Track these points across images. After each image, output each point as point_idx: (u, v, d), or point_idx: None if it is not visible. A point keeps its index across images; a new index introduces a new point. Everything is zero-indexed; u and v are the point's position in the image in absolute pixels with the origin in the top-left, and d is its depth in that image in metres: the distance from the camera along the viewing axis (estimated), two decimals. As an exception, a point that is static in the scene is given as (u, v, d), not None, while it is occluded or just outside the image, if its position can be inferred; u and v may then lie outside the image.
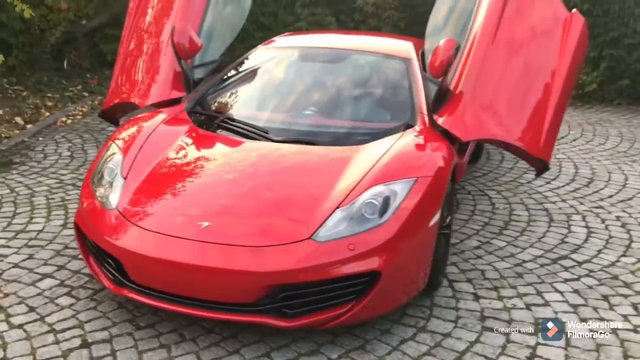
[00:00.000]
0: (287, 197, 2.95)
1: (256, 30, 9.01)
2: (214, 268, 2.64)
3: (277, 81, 4.05)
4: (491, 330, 3.04)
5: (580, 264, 3.79)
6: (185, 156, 3.27)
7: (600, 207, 4.70)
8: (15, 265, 3.54)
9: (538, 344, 2.94)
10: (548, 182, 5.21)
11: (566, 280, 3.56)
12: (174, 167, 3.19)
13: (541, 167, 3.82)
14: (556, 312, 3.21)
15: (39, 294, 3.24)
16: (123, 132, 3.52)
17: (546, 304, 3.30)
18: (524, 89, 3.64)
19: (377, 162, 3.04)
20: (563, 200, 4.81)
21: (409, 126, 3.49)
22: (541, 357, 2.85)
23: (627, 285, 3.53)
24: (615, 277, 3.62)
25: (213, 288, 2.68)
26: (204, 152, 3.31)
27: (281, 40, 4.50)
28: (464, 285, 3.47)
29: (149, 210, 2.92)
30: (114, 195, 3.03)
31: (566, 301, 3.33)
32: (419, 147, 3.25)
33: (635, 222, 4.43)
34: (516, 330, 3.04)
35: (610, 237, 4.19)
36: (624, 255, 3.91)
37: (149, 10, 4.36)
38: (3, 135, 6.03)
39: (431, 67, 3.50)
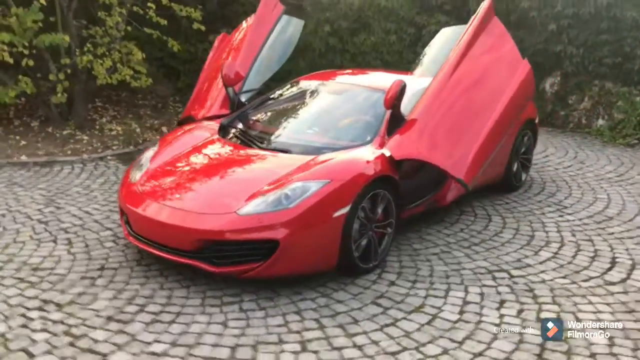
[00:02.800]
0: (238, 184, 4.11)
1: (380, 66, 10.15)
2: (171, 224, 3.91)
3: (289, 106, 5.23)
4: (378, 305, 3.86)
5: (512, 277, 4.34)
6: (194, 153, 4.60)
7: (590, 239, 5.04)
8: (95, 221, 5.14)
9: (404, 318, 3.71)
10: (561, 216, 5.59)
11: (482, 286, 4.18)
12: (182, 159, 4.54)
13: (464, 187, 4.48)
14: (445, 303, 3.91)
15: (96, 239, 4.77)
16: (170, 133, 4.97)
17: (444, 297, 4.00)
18: (463, 121, 4.35)
19: (313, 167, 4.08)
20: (558, 231, 5.21)
21: (365, 144, 4.44)
22: (398, 327, 3.62)
23: (534, 296, 4.05)
24: (530, 290, 4.14)
25: (171, 238, 3.95)
26: (207, 152, 4.61)
27: (308, 77, 5.69)
28: (391, 276, 4.29)
29: (151, 184, 4.29)
30: (139, 174, 4.46)
31: (463, 298, 3.99)
32: (351, 159, 4.20)
33: (611, 254, 4.73)
34: (396, 308, 3.83)
35: (570, 263, 4.60)
36: (562, 277, 4.35)
37: (224, 54, 5.89)
38: (148, 139, 7.94)
39: (384, 100, 4.41)
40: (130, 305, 3.77)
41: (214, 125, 5.08)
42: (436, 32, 9.70)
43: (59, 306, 3.74)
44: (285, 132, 4.84)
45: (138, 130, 8.21)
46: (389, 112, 4.53)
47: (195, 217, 3.88)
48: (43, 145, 7.36)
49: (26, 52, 7.27)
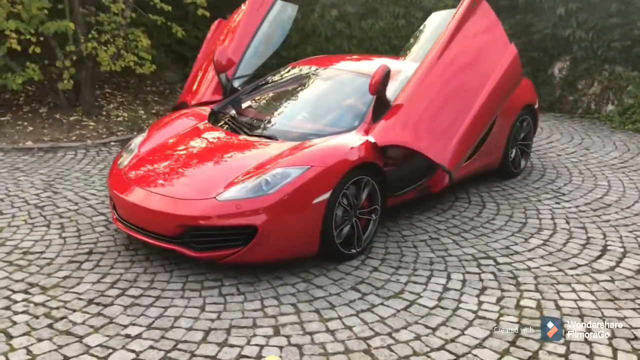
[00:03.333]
0: (221, 171, 4.14)
1: (389, 51, 10.09)
2: (153, 210, 3.96)
3: (279, 92, 5.23)
4: (357, 291, 3.87)
5: (497, 264, 4.31)
6: (180, 140, 4.63)
7: (583, 227, 4.98)
8: (90, 206, 5.22)
9: (381, 304, 3.71)
10: (558, 203, 5.53)
11: (466, 273, 4.16)
12: (169, 145, 4.57)
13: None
14: (424, 289, 3.90)
15: (89, 223, 4.85)
16: (160, 120, 5.01)
17: (425, 283, 3.99)
18: (448, 106, 4.31)
19: (296, 153, 4.09)
20: (552, 218, 5.16)
21: (351, 130, 4.43)
22: (374, 312, 3.62)
23: (517, 284, 4.02)
24: (514, 277, 4.11)
25: (154, 223, 4.00)
26: (195, 138, 4.63)
27: (300, 63, 5.67)
28: (374, 262, 4.29)
29: (137, 170, 4.34)
30: (127, 160, 4.51)
31: (444, 285, 3.97)
32: (333, 145, 4.19)
33: (602, 242, 4.67)
34: (375, 294, 3.83)
35: (559, 250, 4.55)
36: (549, 265, 4.31)
37: (220, 39, 5.89)
38: (150, 122, 8.00)
39: (369, 85, 4.39)
40: (112, 289, 3.83)
41: (205, 111, 5.11)
42: (445, 16, 9.74)
43: (43, 289, 3.82)
44: (274, 119, 4.85)
45: (144, 116, 8.29)
46: (374, 98, 4.51)
47: (176, 203, 3.92)
48: (49, 131, 7.48)
49: (33, 39, 7.37)
